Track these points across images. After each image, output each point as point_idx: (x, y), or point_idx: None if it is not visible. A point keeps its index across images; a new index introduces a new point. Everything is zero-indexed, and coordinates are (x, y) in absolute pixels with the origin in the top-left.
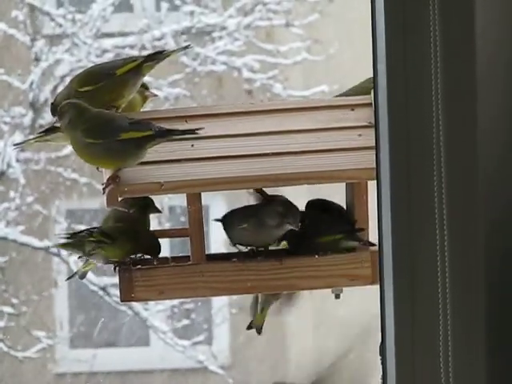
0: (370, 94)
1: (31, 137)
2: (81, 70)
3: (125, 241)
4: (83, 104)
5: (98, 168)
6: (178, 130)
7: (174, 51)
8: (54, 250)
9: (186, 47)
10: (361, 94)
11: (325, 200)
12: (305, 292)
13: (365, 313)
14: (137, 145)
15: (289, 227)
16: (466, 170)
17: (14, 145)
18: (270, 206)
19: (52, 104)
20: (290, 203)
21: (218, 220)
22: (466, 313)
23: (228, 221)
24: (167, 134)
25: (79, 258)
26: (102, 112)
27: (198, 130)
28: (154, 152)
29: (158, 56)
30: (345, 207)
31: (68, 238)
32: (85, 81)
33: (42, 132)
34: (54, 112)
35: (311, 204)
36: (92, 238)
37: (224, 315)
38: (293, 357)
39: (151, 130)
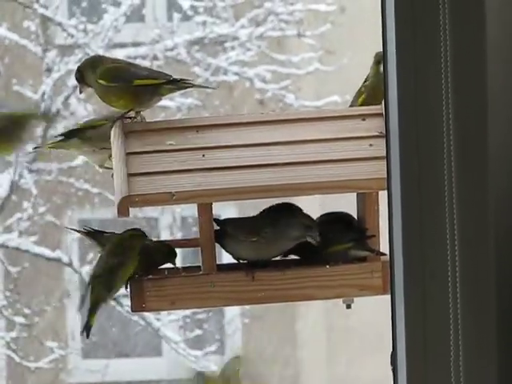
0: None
1: (49, 141)
2: (110, 56)
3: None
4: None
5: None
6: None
7: (198, 86)
8: (66, 259)
9: (211, 88)
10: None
11: (334, 212)
12: (316, 302)
13: (376, 322)
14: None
15: (309, 240)
16: (476, 178)
17: (33, 148)
18: (295, 219)
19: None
20: (311, 217)
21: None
22: (477, 320)
23: (227, 233)
24: (179, 83)
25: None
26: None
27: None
28: (165, 162)
29: (179, 84)
30: (356, 217)
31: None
32: (105, 74)
33: (60, 135)
34: (77, 73)
35: (322, 216)
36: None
37: (236, 325)
38: (305, 367)
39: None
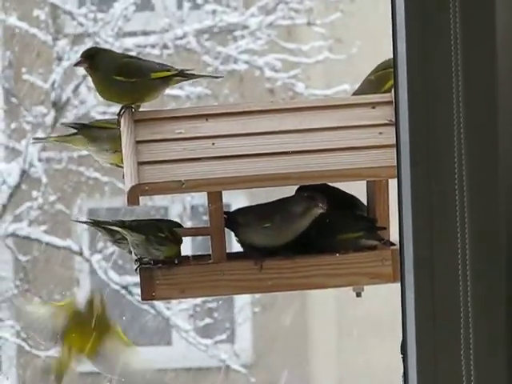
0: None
1: (52, 135)
2: (121, 51)
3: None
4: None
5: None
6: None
7: (206, 76)
8: (77, 248)
9: (219, 77)
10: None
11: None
12: (327, 290)
13: (387, 311)
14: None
15: (318, 211)
16: (487, 167)
17: (34, 139)
18: (294, 196)
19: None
20: (314, 188)
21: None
22: (487, 309)
23: (241, 222)
24: (189, 74)
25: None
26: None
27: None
28: (175, 151)
29: (189, 75)
30: (365, 205)
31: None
32: (120, 71)
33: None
34: (82, 54)
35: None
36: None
37: (246, 314)
38: (315, 355)
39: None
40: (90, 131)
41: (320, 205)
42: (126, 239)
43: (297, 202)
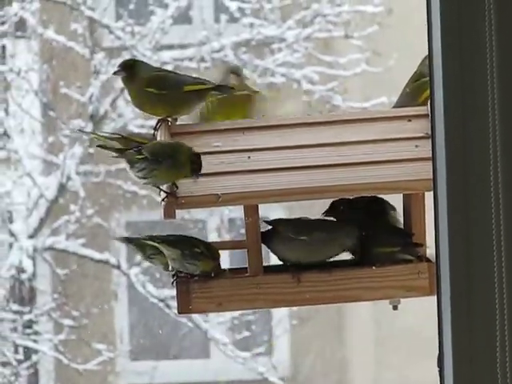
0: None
1: (96, 132)
2: (159, 65)
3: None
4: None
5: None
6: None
7: (242, 90)
8: (114, 261)
9: (256, 92)
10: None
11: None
12: (365, 303)
13: (424, 324)
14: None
15: (347, 243)
16: None
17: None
18: (351, 227)
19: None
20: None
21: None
22: None
23: (277, 232)
24: (225, 88)
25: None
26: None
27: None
28: (211, 164)
29: (225, 89)
30: (402, 219)
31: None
32: (151, 83)
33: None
34: (120, 64)
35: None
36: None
37: (284, 326)
38: (353, 369)
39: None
40: (125, 142)
41: (349, 239)
42: (158, 255)
43: (349, 235)
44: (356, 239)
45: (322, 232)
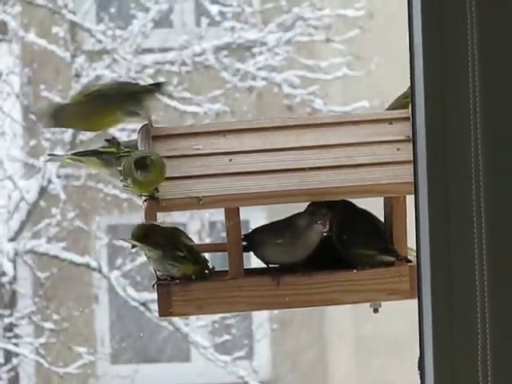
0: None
1: (68, 153)
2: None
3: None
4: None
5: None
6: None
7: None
8: (95, 265)
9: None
10: (401, 107)
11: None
12: (345, 307)
13: (406, 327)
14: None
15: (319, 228)
16: (505, 183)
17: (48, 155)
18: (303, 211)
19: None
20: (322, 205)
21: (244, 240)
22: (505, 326)
23: (257, 240)
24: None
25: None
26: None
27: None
28: (192, 167)
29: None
30: (383, 221)
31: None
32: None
33: (78, 153)
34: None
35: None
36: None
37: (265, 330)
38: (333, 371)
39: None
40: (101, 156)
41: (320, 222)
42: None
43: (301, 217)
44: (308, 217)
45: (292, 229)
